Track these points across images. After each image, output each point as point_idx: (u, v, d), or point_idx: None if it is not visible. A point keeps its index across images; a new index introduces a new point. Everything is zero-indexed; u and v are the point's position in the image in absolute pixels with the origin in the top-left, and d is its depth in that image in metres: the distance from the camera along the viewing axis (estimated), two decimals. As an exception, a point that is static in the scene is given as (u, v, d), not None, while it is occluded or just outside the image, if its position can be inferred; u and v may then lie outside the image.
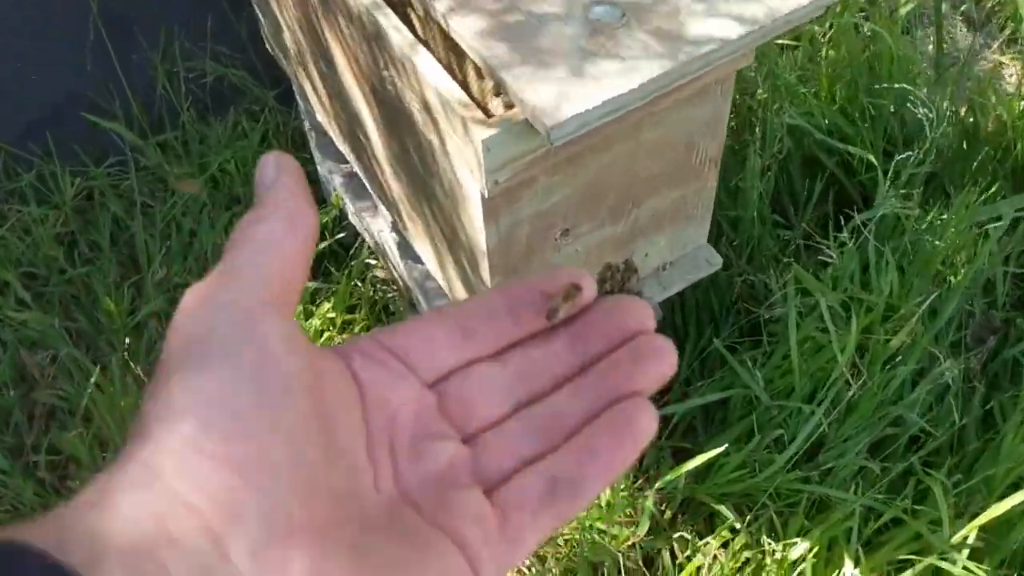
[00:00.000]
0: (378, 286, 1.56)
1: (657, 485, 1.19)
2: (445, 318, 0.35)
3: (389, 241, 1.37)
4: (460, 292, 1.10)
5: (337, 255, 1.62)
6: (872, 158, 1.24)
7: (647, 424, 0.33)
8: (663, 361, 0.34)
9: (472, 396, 0.35)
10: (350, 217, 1.53)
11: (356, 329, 1.50)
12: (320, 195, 1.64)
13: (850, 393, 1.12)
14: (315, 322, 1.46)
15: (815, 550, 1.12)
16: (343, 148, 1.33)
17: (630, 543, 1.25)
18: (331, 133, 1.36)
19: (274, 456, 0.28)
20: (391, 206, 1.22)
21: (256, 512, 0.27)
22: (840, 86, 1.38)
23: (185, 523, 0.25)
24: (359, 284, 1.51)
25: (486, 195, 0.81)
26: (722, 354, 1.23)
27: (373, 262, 1.59)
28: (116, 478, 0.26)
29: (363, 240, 1.54)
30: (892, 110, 1.27)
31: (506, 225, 0.88)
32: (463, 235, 0.94)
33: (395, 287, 1.56)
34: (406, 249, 1.34)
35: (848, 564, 1.11)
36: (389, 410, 0.34)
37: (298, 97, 1.45)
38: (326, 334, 1.47)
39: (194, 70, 1.65)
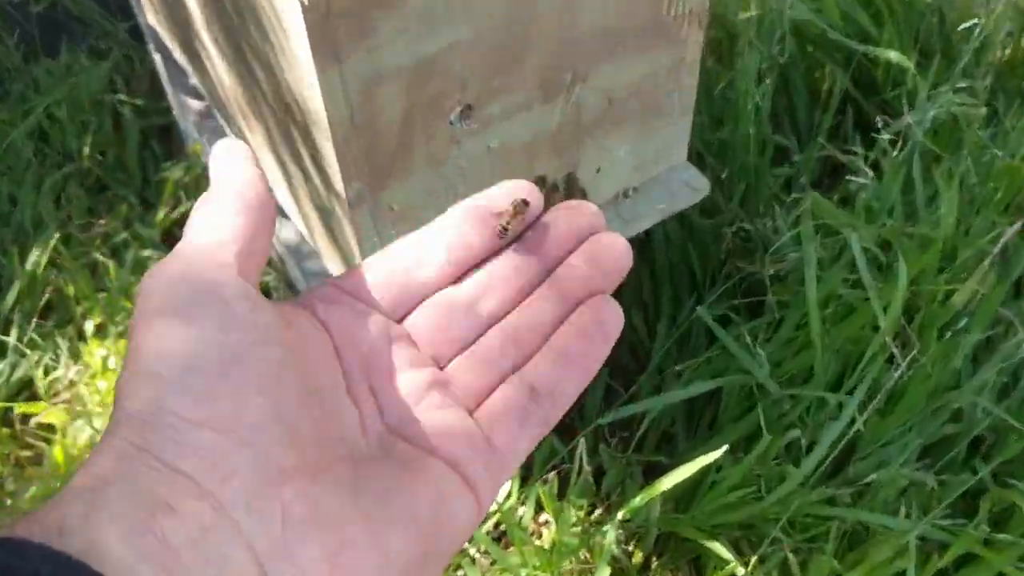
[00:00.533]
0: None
1: (621, 515, 0.83)
2: (399, 252, 0.35)
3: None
4: (324, 243, 0.73)
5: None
6: (901, 59, 0.90)
7: (614, 320, 0.34)
8: (618, 257, 0.35)
9: (440, 322, 0.35)
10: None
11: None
12: (182, 138, 1.28)
13: (895, 374, 0.77)
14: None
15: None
16: (182, 60, 0.97)
17: (585, 598, 0.88)
18: (167, 42, 0.99)
19: (253, 410, 0.28)
20: (231, 119, 0.85)
21: (245, 466, 0.27)
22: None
23: (178, 489, 0.26)
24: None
25: (307, 3, 0.46)
26: (708, 328, 0.87)
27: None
28: (105, 457, 0.27)
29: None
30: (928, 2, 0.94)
31: (358, 80, 0.52)
32: (297, 111, 0.59)
33: (270, 267, 1.19)
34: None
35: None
36: (361, 349, 0.34)
37: (135, 8, 1.09)
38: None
39: (19, -7, 1.28)
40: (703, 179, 0.77)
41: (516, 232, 0.36)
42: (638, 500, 0.81)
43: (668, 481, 0.85)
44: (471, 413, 0.34)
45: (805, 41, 0.99)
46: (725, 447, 0.83)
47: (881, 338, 0.77)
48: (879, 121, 0.81)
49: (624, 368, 1.05)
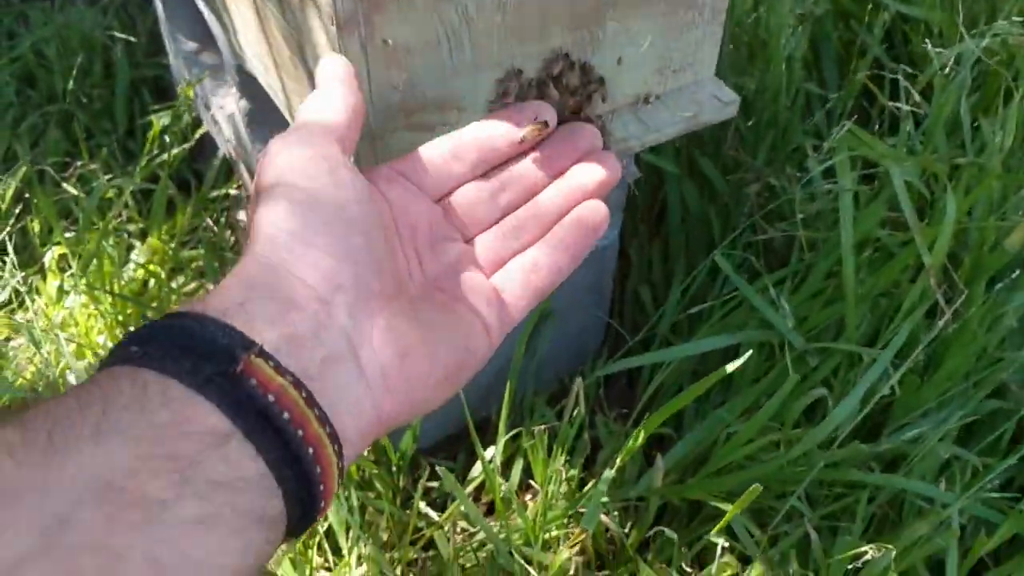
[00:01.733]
0: (240, 232, 1.11)
1: (608, 475, 0.73)
2: (439, 148, 0.48)
3: (240, 120, 0.93)
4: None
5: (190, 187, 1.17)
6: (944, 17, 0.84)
7: (601, 219, 0.47)
8: (609, 167, 0.49)
9: (469, 207, 0.47)
10: (203, 117, 1.09)
11: (192, 266, 1.04)
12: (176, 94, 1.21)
13: (939, 323, 0.68)
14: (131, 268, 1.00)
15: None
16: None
17: (572, 576, 0.77)
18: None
19: (354, 244, 0.39)
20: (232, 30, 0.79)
21: (348, 283, 0.38)
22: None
23: (303, 294, 0.37)
24: (210, 223, 1.06)
25: None
26: (725, 290, 0.78)
27: (234, 192, 1.14)
28: (249, 266, 0.37)
29: (221, 166, 1.09)
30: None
31: None
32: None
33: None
34: (258, 122, 0.91)
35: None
36: (410, 220, 0.45)
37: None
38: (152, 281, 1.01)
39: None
40: (732, 93, 0.69)
41: (532, 143, 0.49)
42: (630, 445, 0.71)
43: (672, 453, 0.75)
44: (488, 276, 0.46)
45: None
46: (740, 410, 0.73)
47: (924, 282, 0.68)
48: (927, 44, 0.74)
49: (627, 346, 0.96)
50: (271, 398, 0.33)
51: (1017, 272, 0.70)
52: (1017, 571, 0.67)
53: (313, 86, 0.63)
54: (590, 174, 0.49)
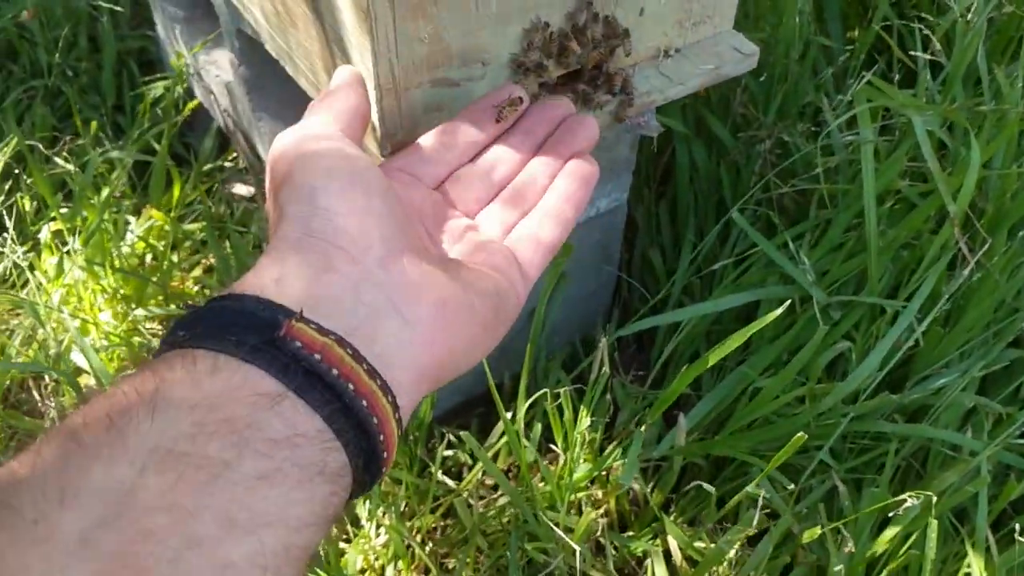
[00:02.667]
0: (236, 204, 1.09)
1: (639, 432, 0.72)
2: (430, 140, 0.51)
3: (239, 91, 0.91)
4: (319, 62, 0.64)
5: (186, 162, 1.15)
6: None
7: (592, 170, 0.50)
8: (588, 127, 0.52)
9: (466, 187, 0.50)
10: (196, 88, 1.07)
11: (186, 245, 1.02)
12: (163, 66, 1.18)
13: (964, 272, 0.68)
14: (131, 239, 0.97)
15: (910, 540, 0.65)
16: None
17: (595, 537, 0.77)
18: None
19: (376, 205, 0.41)
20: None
21: (377, 242, 0.40)
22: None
23: (335, 256, 0.38)
24: (205, 198, 1.04)
25: None
26: (740, 251, 0.78)
27: (228, 164, 1.11)
28: (280, 242, 0.39)
29: (216, 136, 1.07)
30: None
31: None
32: None
33: (255, 201, 1.09)
34: (259, 90, 0.89)
35: (974, 565, 0.65)
36: (416, 206, 0.47)
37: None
38: (147, 256, 0.99)
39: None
40: (752, 45, 0.69)
41: (511, 120, 0.53)
42: (657, 408, 0.71)
43: (695, 412, 0.75)
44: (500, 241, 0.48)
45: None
46: (761, 368, 0.73)
47: (946, 233, 0.68)
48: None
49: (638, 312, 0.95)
50: (317, 357, 0.34)
51: (1038, 221, 0.70)
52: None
53: (328, 46, 0.62)
54: (573, 136, 0.52)
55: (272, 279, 0.37)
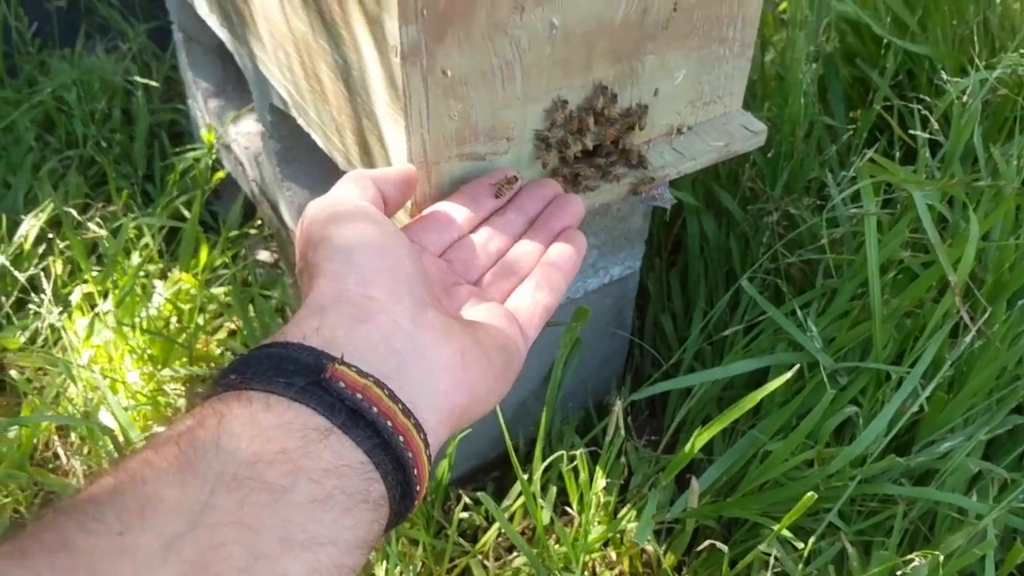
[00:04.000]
0: (258, 268, 1.12)
1: (654, 494, 0.74)
2: (435, 214, 0.57)
3: (267, 163, 0.95)
4: (352, 140, 0.68)
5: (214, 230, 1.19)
6: (950, 54, 0.88)
7: (581, 241, 0.56)
8: (575, 204, 0.58)
9: (466, 257, 0.55)
10: (224, 159, 1.11)
11: (211, 308, 1.05)
12: (192, 138, 1.23)
13: (966, 339, 0.71)
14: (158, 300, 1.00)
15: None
16: (212, 17, 0.94)
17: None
18: (198, 6, 0.96)
19: (405, 267, 0.45)
20: (255, 44, 0.81)
21: (406, 295, 0.44)
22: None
23: (370, 308, 0.43)
24: (230, 263, 1.08)
25: None
26: (749, 322, 0.81)
27: (253, 232, 1.15)
28: (317, 296, 0.43)
29: (242, 205, 1.11)
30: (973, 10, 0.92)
31: None
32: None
33: (278, 267, 1.12)
34: (287, 161, 0.93)
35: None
36: (426, 271, 0.49)
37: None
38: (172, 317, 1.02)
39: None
40: (760, 123, 0.73)
41: (507, 198, 0.59)
42: (676, 460, 0.73)
43: (707, 475, 0.77)
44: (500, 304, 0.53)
45: (850, 34, 0.97)
46: (771, 432, 0.75)
47: (948, 302, 0.71)
48: (943, 73, 0.78)
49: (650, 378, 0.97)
50: (359, 396, 0.38)
51: (1038, 291, 0.73)
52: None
53: (359, 120, 0.66)
54: (563, 212, 0.58)
55: (313, 329, 0.41)
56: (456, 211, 0.57)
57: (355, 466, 0.37)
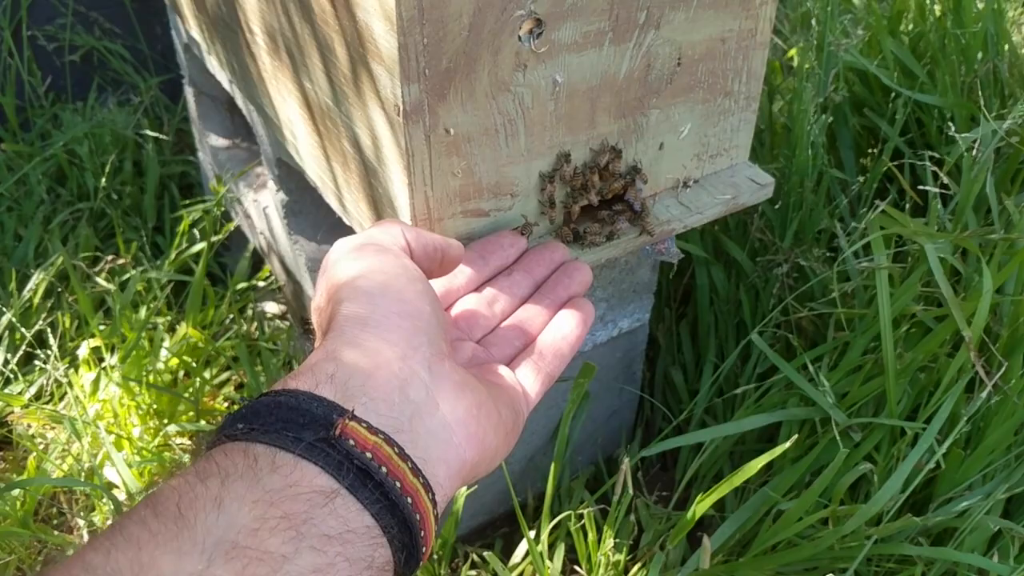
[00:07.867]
0: (265, 321, 1.12)
1: (659, 556, 0.72)
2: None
3: (275, 216, 0.95)
4: (357, 196, 0.68)
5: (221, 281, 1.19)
6: (959, 103, 0.87)
7: (589, 310, 0.56)
8: (583, 272, 0.58)
9: (471, 315, 0.55)
10: (232, 211, 1.12)
11: (218, 361, 1.05)
12: (202, 190, 1.23)
13: (982, 395, 0.69)
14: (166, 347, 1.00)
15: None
16: (222, 74, 0.94)
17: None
18: (208, 56, 0.97)
19: (425, 314, 0.45)
20: (259, 92, 0.81)
21: (424, 344, 0.44)
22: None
23: (386, 356, 0.42)
24: (237, 316, 1.08)
25: None
26: (759, 373, 0.80)
27: (261, 284, 1.15)
28: (333, 341, 0.42)
29: (251, 257, 1.11)
30: (980, 57, 0.92)
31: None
32: (349, 25, 0.54)
33: (286, 319, 1.12)
34: (295, 214, 0.93)
35: None
36: None
37: (171, 14, 1.08)
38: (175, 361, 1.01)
39: (54, 39, 1.28)
40: (767, 176, 0.72)
41: (514, 256, 0.59)
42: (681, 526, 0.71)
43: (719, 533, 0.75)
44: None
45: (858, 83, 0.97)
46: (784, 489, 0.73)
47: (962, 356, 0.70)
48: (950, 126, 0.77)
49: (660, 432, 0.96)
50: (368, 455, 0.38)
51: (1052, 345, 0.71)
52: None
53: (366, 176, 0.66)
54: (571, 279, 0.58)
55: (327, 375, 0.40)
56: (463, 271, 0.56)
57: (360, 531, 0.36)
